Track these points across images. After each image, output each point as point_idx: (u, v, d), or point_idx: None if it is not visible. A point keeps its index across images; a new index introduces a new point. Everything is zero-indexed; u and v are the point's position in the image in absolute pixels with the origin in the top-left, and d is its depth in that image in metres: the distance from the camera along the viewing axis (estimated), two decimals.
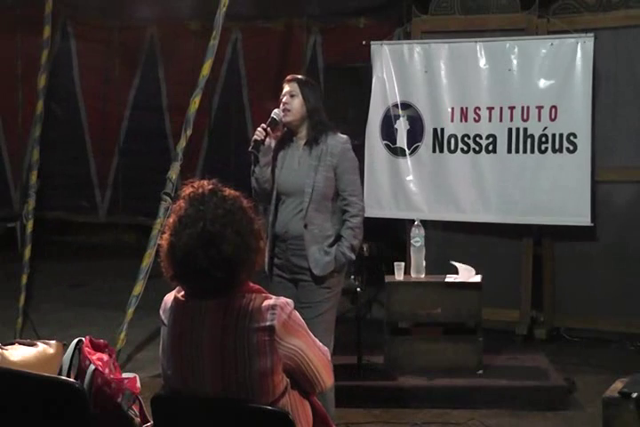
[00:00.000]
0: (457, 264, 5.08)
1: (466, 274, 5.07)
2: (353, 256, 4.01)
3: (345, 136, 4.08)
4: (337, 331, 4.04)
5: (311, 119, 4.03)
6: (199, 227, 2.33)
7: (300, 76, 4.15)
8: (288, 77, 4.14)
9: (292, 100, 4.03)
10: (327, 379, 2.50)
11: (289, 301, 2.41)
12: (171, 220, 2.40)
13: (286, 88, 4.08)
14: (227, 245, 2.33)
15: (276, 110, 4.05)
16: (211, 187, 2.43)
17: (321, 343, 2.53)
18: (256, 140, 3.98)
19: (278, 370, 2.34)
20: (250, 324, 2.32)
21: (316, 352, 2.45)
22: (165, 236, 2.40)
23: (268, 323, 2.32)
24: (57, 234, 9.17)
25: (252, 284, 2.45)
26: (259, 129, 4.00)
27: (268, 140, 4.01)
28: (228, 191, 2.45)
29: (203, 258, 2.31)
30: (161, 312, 2.50)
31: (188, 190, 2.44)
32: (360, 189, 4.12)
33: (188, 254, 2.33)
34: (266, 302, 2.36)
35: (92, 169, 9.34)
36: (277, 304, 2.35)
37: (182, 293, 2.45)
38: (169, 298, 2.49)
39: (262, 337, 2.32)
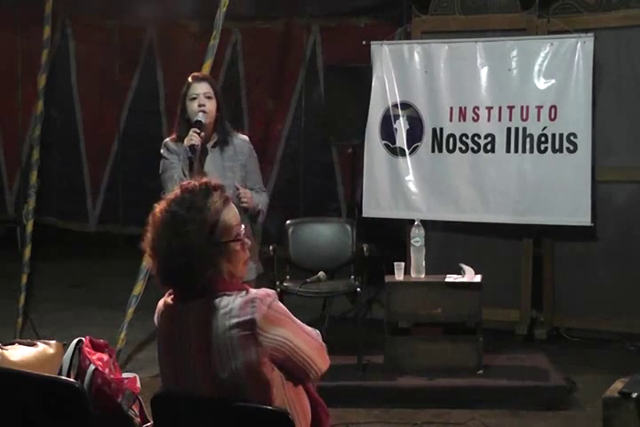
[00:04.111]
0: (465, 266, 5.09)
1: (469, 275, 5.08)
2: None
3: (247, 137, 4.16)
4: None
5: (221, 122, 4.05)
6: (170, 232, 2.34)
7: (208, 76, 4.16)
8: (198, 75, 4.12)
9: (208, 102, 4.01)
10: (321, 363, 2.47)
11: (269, 291, 2.40)
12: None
13: (199, 88, 4.03)
14: (190, 245, 2.32)
15: (200, 114, 3.99)
16: (182, 188, 2.42)
17: (310, 328, 2.50)
18: (194, 146, 3.91)
19: (266, 364, 2.32)
20: (231, 321, 2.32)
21: (304, 338, 2.42)
22: (148, 241, 2.41)
23: (248, 317, 2.31)
24: (53, 238, 9.09)
25: (236, 282, 2.43)
26: (193, 134, 3.92)
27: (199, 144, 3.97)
28: (198, 186, 2.42)
29: (178, 261, 2.33)
30: (155, 317, 2.52)
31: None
32: (264, 186, 4.26)
33: (167, 258, 2.35)
34: (246, 297, 2.35)
35: (86, 174, 9.21)
36: (257, 297, 2.35)
37: (171, 296, 2.47)
38: (161, 302, 2.51)
39: (244, 332, 2.31)
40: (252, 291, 2.39)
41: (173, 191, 2.45)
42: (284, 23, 8.37)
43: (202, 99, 4.01)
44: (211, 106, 4.02)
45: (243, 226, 2.48)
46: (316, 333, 2.52)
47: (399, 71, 6.03)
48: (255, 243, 4.23)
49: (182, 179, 3.87)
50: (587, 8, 5.91)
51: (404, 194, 6.03)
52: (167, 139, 4.15)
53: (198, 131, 3.94)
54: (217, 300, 2.36)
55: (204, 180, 2.46)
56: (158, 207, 2.41)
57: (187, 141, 3.93)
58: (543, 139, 5.72)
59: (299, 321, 2.45)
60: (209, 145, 4.07)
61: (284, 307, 2.42)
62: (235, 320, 2.32)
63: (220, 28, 5.46)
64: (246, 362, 2.31)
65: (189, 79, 4.10)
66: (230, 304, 2.34)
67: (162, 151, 4.13)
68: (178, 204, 2.38)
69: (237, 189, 3.99)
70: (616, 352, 5.67)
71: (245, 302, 2.34)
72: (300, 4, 8.09)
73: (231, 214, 2.42)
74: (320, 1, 8.06)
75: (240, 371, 2.32)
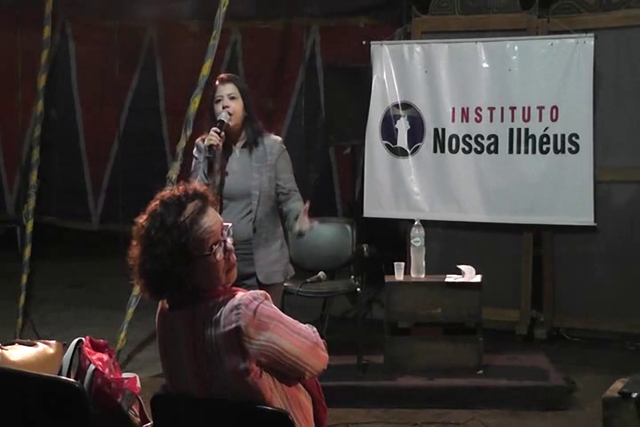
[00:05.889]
0: (462, 267, 5.09)
1: (468, 275, 5.07)
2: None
3: (279, 137, 4.11)
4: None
5: (250, 122, 4.02)
6: (145, 254, 2.38)
7: (235, 76, 4.13)
8: (223, 77, 4.09)
9: (232, 103, 4.00)
10: (315, 362, 2.41)
11: (255, 295, 2.34)
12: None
13: (224, 90, 4.02)
14: (164, 268, 2.34)
15: (223, 113, 3.98)
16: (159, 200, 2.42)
17: (304, 325, 2.44)
18: (212, 146, 3.89)
19: (253, 370, 2.30)
20: (217, 330, 2.30)
21: (292, 340, 2.35)
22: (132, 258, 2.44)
23: (233, 325, 2.28)
24: (53, 238, 9.07)
25: (223, 288, 2.40)
26: (212, 133, 3.90)
27: (220, 144, 3.94)
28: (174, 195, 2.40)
29: (158, 283, 2.38)
30: (156, 319, 2.54)
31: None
32: (297, 187, 4.14)
33: (148, 280, 2.41)
34: (229, 304, 2.32)
35: (86, 173, 9.18)
36: (241, 303, 2.30)
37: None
38: (161, 304, 2.52)
39: (230, 341, 2.29)
40: (238, 296, 2.34)
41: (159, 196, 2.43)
42: (284, 23, 8.37)
43: (226, 100, 3.99)
44: (235, 106, 3.99)
45: (228, 225, 2.44)
46: (310, 330, 2.45)
47: (399, 71, 6.03)
48: (285, 246, 4.19)
49: (201, 179, 3.89)
50: (587, 8, 5.91)
51: (405, 194, 6.04)
52: (198, 139, 4.15)
53: (218, 130, 3.91)
54: (203, 309, 2.34)
55: (187, 187, 2.42)
56: (140, 219, 2.42)
57: (206, 141, 3.94)
58: (545, 139, 5.73)
59: (289, 320, 2.39)
60: (238, 145, 4.04)
61: (273, 307, 2.36)
62: (220, 330, 2.30)
63: (219, 28, 5.46)
64: (233, 369, 2.30)
65: (216, 82, 4.09)
66: (215, 313, 2.32)
67: (193, 151, 4.14)
68: (152, 219, 2.37)
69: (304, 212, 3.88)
70: (616, 352, 5.67)
71: (230, 309, 2.30)
72: (299, 3, 8.08)
73: (207, 224, 2.36)
74: (319, 1, 8.05)
75: (228, 377, 2.31)
